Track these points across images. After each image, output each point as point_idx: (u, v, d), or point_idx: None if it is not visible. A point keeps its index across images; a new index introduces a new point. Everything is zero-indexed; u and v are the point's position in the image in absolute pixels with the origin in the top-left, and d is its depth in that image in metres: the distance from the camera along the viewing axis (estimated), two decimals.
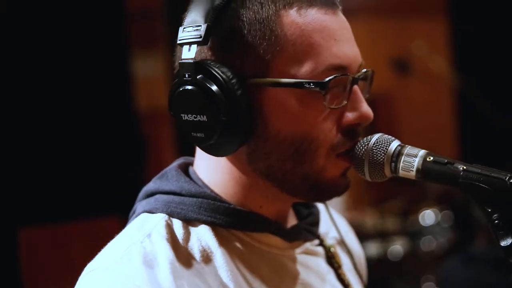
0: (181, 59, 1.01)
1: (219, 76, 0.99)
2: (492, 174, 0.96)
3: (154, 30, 4.68)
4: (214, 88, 0.99)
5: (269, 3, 1.01)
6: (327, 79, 1.01)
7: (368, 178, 1.06)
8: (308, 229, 1.17)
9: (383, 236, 5.37)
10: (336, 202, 4.99)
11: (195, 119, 1.01)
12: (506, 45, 5.69)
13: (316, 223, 1.20)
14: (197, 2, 1.02)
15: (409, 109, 7.24)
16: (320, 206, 1.27)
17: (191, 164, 1.16)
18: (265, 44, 1.01)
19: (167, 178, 1.12)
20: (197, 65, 1.00)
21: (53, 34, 3.58)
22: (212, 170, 1.10)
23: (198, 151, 1.13)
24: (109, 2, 3.84)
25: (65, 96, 3.60)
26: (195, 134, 1.03)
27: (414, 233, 5.36)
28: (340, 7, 1.08)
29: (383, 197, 5.92)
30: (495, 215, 0.96)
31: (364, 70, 1.08)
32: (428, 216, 5.39)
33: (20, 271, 3.33)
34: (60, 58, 3.60)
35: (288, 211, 1.16)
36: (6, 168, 3.40)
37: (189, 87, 1.00)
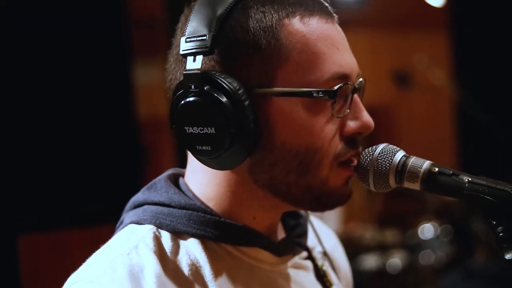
0: (186, 70, 0.98)
1: (226, 87, 0.96)
2: (497, 186, 0.96)
3: (156, 38, 4.69)
4: (223, 99, 0.96)
5: (272, 12, 1.00)
6: (336, 87, 1.00)
7: (372, 188, 1.05)
8: (296, 241, 1.16)
9: (382, 249, 5.36)
10: (335, 214, 5.00)
11: (201, 132, 0.98)
12: (506, 59, 5.71)
13: (304, 233, 1.18)
14: (197, 12, 1.00)
15: (409, 122, 7.25)
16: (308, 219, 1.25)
17: (182, 175, 1.14)
18: (270, 53, 0.99)
19: (156, 189, 1.09)
20: (204, 76, 0.97)
21: (54, 40, 3.58)
22: (206, 183, 1.08)
23: (191, 162, 1.10)
24: (111, 10, 3.84)
25: (66, 102, 3.60)
26: (200, 147, 1.00)
27: (413, 246, 5.35)
28: (336, 17, 1.08)
29: (382, 210, 5.91)
30: (499, 228, 0.95)
31: (361, 79, 1.08)
32: (427, 230, 5.38)
33: (19, 278, 3.31)
34: (61, 64, 3.59)
35: (278, 221, 1.15)
36: (6, 174, 3.39)
37: (196, 99, 0.98)
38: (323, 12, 1.04)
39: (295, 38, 1.00)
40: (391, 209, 5.74)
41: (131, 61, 4.09)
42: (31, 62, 3.51)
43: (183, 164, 1.16)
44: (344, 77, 1.02)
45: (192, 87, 0.98)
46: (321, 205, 1.08)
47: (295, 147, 1.01)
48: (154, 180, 1.12)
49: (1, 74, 3.42)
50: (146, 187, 1.11)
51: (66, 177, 3.53)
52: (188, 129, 1.00)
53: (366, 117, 1.05)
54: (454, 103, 6.16)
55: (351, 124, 1.04)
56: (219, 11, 0.98)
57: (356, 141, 1.06)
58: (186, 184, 1.10)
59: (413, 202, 5.62)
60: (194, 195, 1.08)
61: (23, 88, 3.47)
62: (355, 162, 1.06)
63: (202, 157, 1.03)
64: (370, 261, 5.21)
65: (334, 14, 1.07)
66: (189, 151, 1.05)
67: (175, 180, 1.12)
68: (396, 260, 5.21)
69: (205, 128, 0.98)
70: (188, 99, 0.98)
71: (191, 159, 1.10)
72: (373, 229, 5.68)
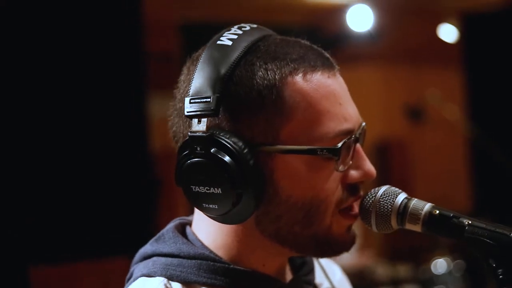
0: (191, 131, 0.99)
1: (231, 148, 0.97)
2: (497, 230, 0.97)
3: (171, 71, 4.74)
4: (229, 160, 0.97)
5: (275, 69, 1.01)
6: (339, 145, 1.01)
7: (375, 229, 1.06)
8: (305, 280, 1.16)
9: (394, 283, 5.33)
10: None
11: (208, 191, 0.99)
12: None
13: (311, 270, 1.19)
14: (201, 70, 1.01)
15: (423, 156, 7.24)
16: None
17: (189, 224, 1.14)
18: (274, 111, 1.00)
19: (164, 240, 1.09)
20: (209, 139, 0.98)
21: (72, 71, 3.62)
22: (214, 232, 1.08)
23: (198, 212, 1.10)
24: (127, 43, 3.89)
25: (82, 135, 3.63)
26: (207, 205, 1.01)
27: (426, 281, 5.33)
28: (338, 68, 1.08)
29: (395, 245, 5.89)
30: (500, 270, 0.97)
31: (363, 124, 1.09)
32: (440, 265, 5.36)
33: None
34: (78, 97, 3.63)
35: (286, 264, 1.16)
36: (18, 207, 3.42)
37: (202, 160, 0.98)
38: (325, 66, 1.04)
39: (298, 97, 1.01)
40: (404, 244, 5.72)
41: (146, 93, 4.12)
42: (52, 96, 3.55)
43: None
44: (347, 133, 1.03)
45: (198, 148, 0.99)
46: (327, 252, 1.09)
47: (300, 200, 1.02)
48: (161, 231, 1.12)
49: (21, 106, 3.47)
50: (154, 239, 1.12)
51: (78, 210, 3.55)
52: (195, 188, 1.01)
53: (368, 166, 1.06)
54: (467, 138, 6.15)
55: (354, 174, 1.05)
56: (223, 70, 0.99)
57: (357, 187, 1.07)
58: (194, 233, 1.11)
59: (426, 237, 5.59)
60: (202, 244, 1.09)
61: (38, 122, 3.50)
62: (356, 209, 1.07)
63: (209, 214, 1.04)
64: None
65: (336, 66, 1.08)
66: (196, 208, 1.06)
67: (183, 230, 1.13)
68: None
69: (212, 188, 0.99)
70: (194, 160, 0.99)
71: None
72: (386, 263, 5.66)
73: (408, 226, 1.04)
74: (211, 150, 0.98)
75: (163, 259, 1.07)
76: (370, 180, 1.07)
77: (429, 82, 6.68)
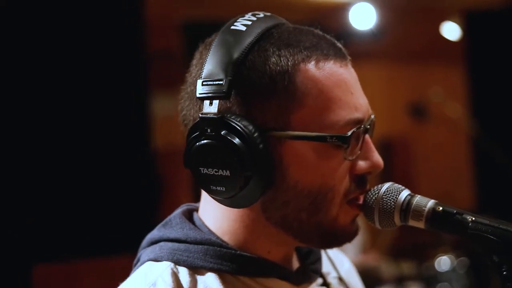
0: (202, 113, 0.99)
1: (242, 131, 0.98)
2: (500, 226, 0.97)
3: (173, 70, 4.75)
4: (238, 143, 0.97)
5: (288, 56, 1.01)
6: (349, 133, 1.02)
7: (378, 226, 1.06)
8: (312, 269, 1.16)
9: (398, 281, 5.33)
10: (352, 246, 4.95)
11: (216, 173, 1.00)
12: None
13: (318, 259, 1.19)
14: (214, 54, 1.01)
15: (426, 154, 7.24)
16: None
17: (195, 210, 1.15)
18: (286, 97, 1.01)
19: (171, 225, 1.10)
20: (220, 121, 0.98)
21: (74, 71, 3.63)
22: (220, 217, 1.09)
23: (205, 197, 1.11)
24: (129, 42, 3.89)
25: (84, 134, 3.63)
26: (215, 188, 1.01)
27: (430, 279, 5.33)
28: (349, 58, 1.09)
29: (399, 242, 5.89)
30: (503, 266, 0.96)
31: (372, 116, 1.09)
32: (444, 262, 5.36)
33: None
34: (81, 96, 3.64)
35: (293, 252, 1.16)
36: (20, 205, 3.43)
37: (212, 142, 0.99)
38: (338, 56, 1.05)
39: (310, 84, 1.01)
40: (407, 241, 5.72)
41: (149, 92, 4.12)
42: (54, 95, 3.56)
43: (198, 195, 1.17)
44: (357, 122, 1.04)
45: (208, 130, 0.99)
46: (330, 242, 1.09)
47: (307, 187, 1.02)
48: (169, 217, 1.13)
49: (23, 105, 3.47)
50: (162, 224, 1.12)
51: (81, 208, 3.56)
52: (203, 170, 1.01)
53: (377, 157, 1.06)
54: (470, 136, 6.15)
55: (362, 164, 1.06)
56: (236, 54, 1.00)
57: (365, 179, 1.07)
58: (200, 219, 1.12)
59: (430, 234, 5.60)
60: (209, 229, 1.09)
61: (40, 121, 3.51)
62: (361, 200, 1.07)
63: (216, 197, 1.04)
64: None
65: (348, 56, 1.08)
66: (204, 190, 1.06)
67: (190, 216, 1.13)
68: None
69: (220, 170, 0.99)
70: (204, 142, 1.00)
71: (205, 194, 1.11)
72: (389, 261, 5.66)
73: (412, 223, 1.04)
74: (222, 132, 0.98)
75: (170, 244, 1.08)
76: (377, 171, 1.07)
77: (432, 80, 6.68)
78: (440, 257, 5.38)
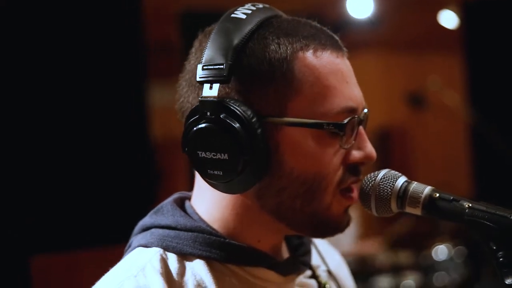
0: (202, 97, 1.01)
1: (241, 115, 1.00)
2: (497, 212, 0.97)
3: (171, 60, 4.73)
4: (238, 127, 0.99)
5: (287, 44, 1.04)
6: (345, 121, 1.04)
7: (374, 213, 1.07)
8: (301, 260, 1.18)
9: (395, 270, 5.34)
10: (349, 235, 4.96)
11: (214, 157, 1.01)
12: None
13: (308, 252, 1.21)
14: (214, 40, 1.03)
15: (423, 142, 7.25)
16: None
17: (188, 198, 1.16)
18: (283, 84, 1.03)
19: (162, 212, 1.12)
20: (220, 104, 1.00)
21: (71, 62, 3.62)
22: (212, 204, 1.10)
23: (199, 183, 1.13)
24: (126, 32, 3.88)
25: (81, 125, 3.63)
26: (212, 172, 1.03)
27: (427, 268, 5.34)
28: (346, 50, 1.11)
29: (396, 231, 5.89)
30: (500, 253, 0.97)
31: (365, 110, 1.11)
32: (441, 251, 5.37)
33: None
34: (78, 86, 3.63)
35: (282, 242, 1.17)
36: (19, 196, 3.42)
37: (212, 125, 1.00)
38: (335, 47, 1.08)
39: (308, 72, 1.04)
40: (404, 230, 5.73)
41: (146, 83, 4.12)
42: (50, 85, 3.55)
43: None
44: (352, 111, 1.06)
45: (208, 113, 1.01)
46: (323, 231, 1.11)
47: (303, 174, 1.04)
48: (161, 204, 1.14)
49: (20, 100, 3.47)
50: (153, 211, 1.14)
51: (79, 198, 3.56)
52: (201, 154, 1.03)
53: (370, 148, 1.09)
54: (468, 124, 6.15)
55: (356, 154, 1.08)
56: (236, 40, 1.02)
57: (358, 169, 1.09)
58: (192, 207, 1.13)
59: (427, 223, 5.61)
60: (199, 217, 1.11)
61: (37, 112, 3.50)
62: (355, 191, 1.09)
63: (213, 181, 1.05)
64: (384, 283, 5.19)
65: (344, 48, 1.10)
66: (200, 174, 1.07)
67: (182, 204, 1.15)
68: (410, 282, 5.19)
69: (218, 154, 1.01)
70: (203, 125, 1.01)
71: (199, 181, 1.13)
72: (386, 250, 5.66)
73: (408, 210, 1.04)
74: (221, 116, 1.00)
75: (160, 230, 1.09)
76: (370, 162, 1.09)
77: (430, 69, 6.68)
78: (437, 246, 5.38)
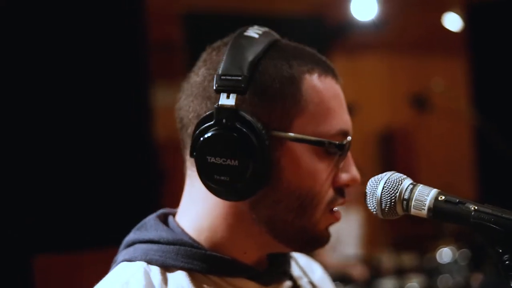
0: (218, 105, 1.05)
1: (254, 126, 1.05)
2: (503, 215, 0.96)
3: (174, 61, 4.73)
4: (252, 136, 1.04)
5: (296, 66, 1.11)
6: (345, 141, 1.11)
7: (380, 215, 1.06)
8: (281, 270, 1.21)
9: (399, 273, 5.34)
10: (353, 236, 4.94)
11: (224, 163, 1.05)
12: None
13: (287, 261, 1.23)
14: (230, 53, 1.09)
15: (427, 145, 7.23)
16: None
17: (172, 214, 1.19)
18: (291, 102, 1.09)
19: (146, 228, 1.15)
20: (236, 113, 1.05)
21: (75, 63, 3.62)
22: (203, 214, 1.13)
23: (187, 198, 1.16)
24: (129, 32, 3.89)
25: (85, 126, 3.63)
26: (218, 177, 1.06)
27: (431, 270, 5.34)
28: (340, 80, 1.18)
29: (400, 234, 5.89)
30: (505, 256, 0.96)
31: (349, 138, 1.17)
32: (445, 254, 5.37)
33: None
34: (81, 87, 3.64)
35: (265, 255, 1.20)
36: (22, 197, 3.43)
37: (227, 132, 1.05)
38: (334, 74, 1.16)
39: (313, 93, 1.11)
40: (409, 233, 5.73)
41: (150, 83, 4.12)
42: (51, 85, 3.55)
43: None
44: (345, 134, 1.13)
45: (223, 121, 1.05)
46: (308, 246, 1.16)
47: (298, 189, 1.09)
48: (144, 220, 1.18)
49: (23, 100, 3.47)
50: (137, 227, 1.17)
51: (81, 199, 3.56)
52: (210, 159, 1.06)
53: (356, 171, 1.15)
54: (472, 126, 6.15)
55: (343, 176, 1.13)
56: (251, 56, 1.08)
57: (343, 191, 1.14)
58: (175, 221, 1.16)
59: (431, 226, 5.60)
60: (182, 230, 1.14)
61: (39, 112, 3.51)
62: (339, 213, 1.14)
63: (217, 186, 1.08)
64: (388, 285, 5.19)
65: (339, 77, 1.18)
66: (204, 179, 1.09)
67: (165, 219, 1.18)
68: (414, 285, 5.19)
69: (229, 160, 1.05)
70: (218, 132, 1.05)
71: (189, 193, 1.16)
72: (391, 253, 5.66)
73: (414, 212, 1.03)
74: (237, 124, 1.04)
75: (144, 245, 1.13)
76: (355, 185, 1.15)
77: (433, 71, 6.67)
78: (442, 249, 5.39)
